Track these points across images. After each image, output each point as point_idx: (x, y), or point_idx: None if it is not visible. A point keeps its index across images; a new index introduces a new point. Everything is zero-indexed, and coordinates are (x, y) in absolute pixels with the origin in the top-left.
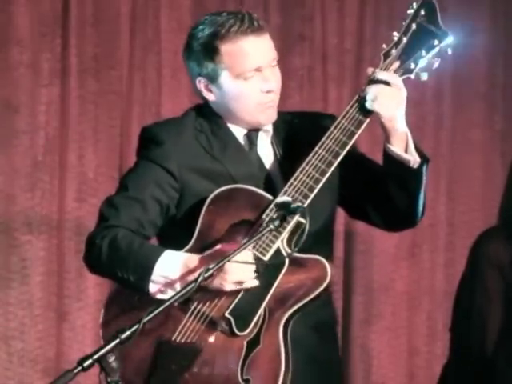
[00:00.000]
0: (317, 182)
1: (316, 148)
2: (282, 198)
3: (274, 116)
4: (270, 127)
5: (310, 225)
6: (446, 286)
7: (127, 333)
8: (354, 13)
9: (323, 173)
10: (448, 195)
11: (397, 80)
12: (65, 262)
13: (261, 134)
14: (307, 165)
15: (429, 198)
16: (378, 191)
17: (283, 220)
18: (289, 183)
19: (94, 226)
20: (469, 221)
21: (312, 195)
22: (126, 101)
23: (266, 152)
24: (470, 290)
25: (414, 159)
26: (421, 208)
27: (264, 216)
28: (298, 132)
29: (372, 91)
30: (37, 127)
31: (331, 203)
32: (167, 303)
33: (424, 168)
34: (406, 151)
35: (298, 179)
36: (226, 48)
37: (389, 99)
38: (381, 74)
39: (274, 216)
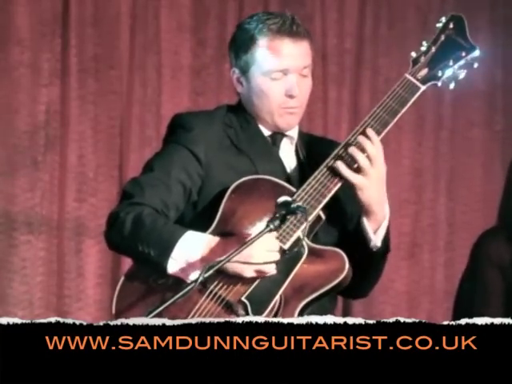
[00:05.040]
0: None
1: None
2: (282, 198)
3: (293, 123)
4: (294, 134)
5: (323, 235)
6: (446, 285)
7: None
8: (353, 13)
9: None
10: (448, 195)
11: (379, 159)
12: (65, 262)
13: (285, 139)
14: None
15: (429, 198)
16: None
17: (283, 219)
18: (307, 183)
19: (94, 226)
20: (469, 221)
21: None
22: (126, 101)
23: (288, 157)
24: (471, 289)
25: (374, 242)
26: (367, 288)
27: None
28: (325, 154)
29: (356, 178)
30: (37, 127)
31: (344, 225)
32: (170, 301)
33: (380, 255)
34: (375, 232)
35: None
36: (261, 43)
37: (371, 191)
38: (369, 147)
39: (276, 215)
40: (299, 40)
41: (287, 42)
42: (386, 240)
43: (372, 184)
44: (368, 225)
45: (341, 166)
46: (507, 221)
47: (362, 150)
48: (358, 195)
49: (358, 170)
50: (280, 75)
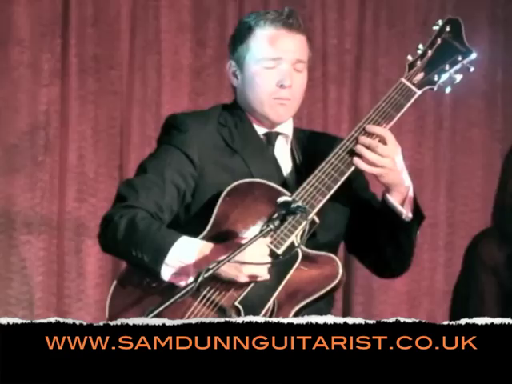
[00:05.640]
0: (327, 190)
1: (319, 167)
2: (282, 198)
3: (283, 116)
4: (289, 132)
5: (322, 235)
6: (446, 285)
7: None
8: (353, 13)
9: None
10: (448, 195)
11: (388, 147)
12: (65, 262)
13: (280, 137)
14: (314, 178)
15: (429, 198)
16: (371, 239)
17: (283, 220)
18: (301, 187)
19: (94, 226)
20: (469, 221)
21: (320, 204)
22: (126, 101)
23: (283, 156)
24: (465, 292)
25: (406, 213)
26: (408, 261)
27: None
28: (318, 149)
29: (377, 171)
30: (37, 127)
31: (344, 220)
32: (170, 302)
33: (415, 224)
34: (403, 204)
35: (309, 185)
36: (257, 33)
37: (391, 175)
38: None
39: (275, 216)
40: (294, 32)
41: (282, 31)
42: (418, 208)
43: (389, 171)
44: (393, 199)
45: (358, 161)
46: (500, 221)
47: (368, 147)
48: (379, 180)
49: (373, 164)
50: (273, 64)
